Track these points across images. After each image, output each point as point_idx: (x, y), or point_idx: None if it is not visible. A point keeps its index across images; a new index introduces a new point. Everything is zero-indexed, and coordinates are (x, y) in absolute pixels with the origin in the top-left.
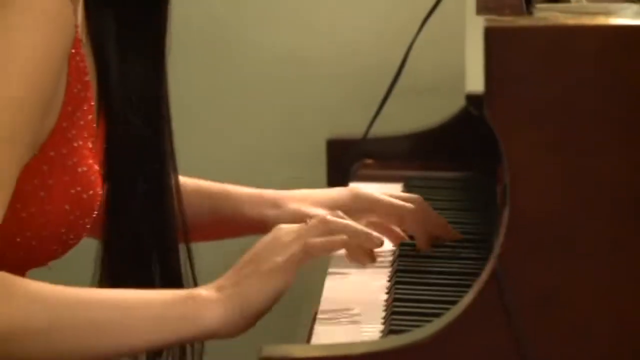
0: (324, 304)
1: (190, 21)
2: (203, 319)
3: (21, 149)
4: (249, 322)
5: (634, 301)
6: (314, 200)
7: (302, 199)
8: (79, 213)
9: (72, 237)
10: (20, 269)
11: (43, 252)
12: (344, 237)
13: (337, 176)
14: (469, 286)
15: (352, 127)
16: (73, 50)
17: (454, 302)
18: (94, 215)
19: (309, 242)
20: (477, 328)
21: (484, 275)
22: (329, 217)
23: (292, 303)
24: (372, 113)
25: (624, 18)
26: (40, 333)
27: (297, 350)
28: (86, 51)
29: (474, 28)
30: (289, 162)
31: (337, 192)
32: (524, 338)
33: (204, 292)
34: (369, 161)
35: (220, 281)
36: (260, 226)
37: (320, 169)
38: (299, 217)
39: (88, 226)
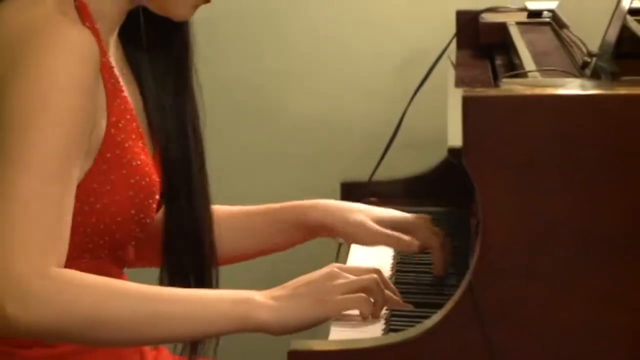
0: None
1: (229, 90)
2: (254, 319)
3: (70, 175)
4: (287, 332)
5: (578, 313)
6: (375, 218)
7: (366, 215)
8: (142, 196)
9: (142, 216)
10: (113, 250)
11: (125, 232)
12: (385, 301)
13: None
14: (450, 296)
15: (360, 172)
16: (106, 75)
17: (439, 308)
18: (157, 198)
19: (352, 296)
20: (456, 328)
21: (462, 288)
22: (383, 281)
23: None
24: (376, 162)
25: (568, 89)
26: (105, 322)
27: (317, 344)
28: (127, 78)
29: (454, 97)
30: None
31: (394, 215)
32: (492, 337)
33: (258, 297)
34: (373, 199)
35: (276, 291)
36: (325, 231)
37: None
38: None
39: (154, 206)
